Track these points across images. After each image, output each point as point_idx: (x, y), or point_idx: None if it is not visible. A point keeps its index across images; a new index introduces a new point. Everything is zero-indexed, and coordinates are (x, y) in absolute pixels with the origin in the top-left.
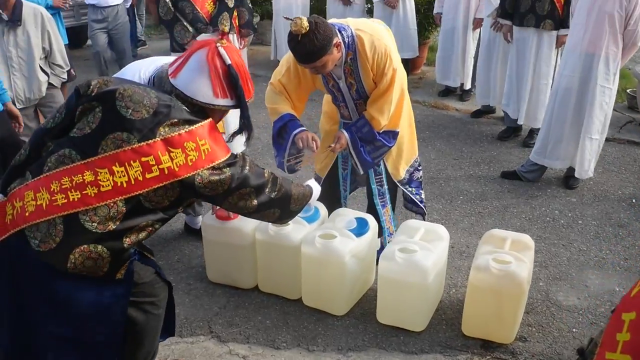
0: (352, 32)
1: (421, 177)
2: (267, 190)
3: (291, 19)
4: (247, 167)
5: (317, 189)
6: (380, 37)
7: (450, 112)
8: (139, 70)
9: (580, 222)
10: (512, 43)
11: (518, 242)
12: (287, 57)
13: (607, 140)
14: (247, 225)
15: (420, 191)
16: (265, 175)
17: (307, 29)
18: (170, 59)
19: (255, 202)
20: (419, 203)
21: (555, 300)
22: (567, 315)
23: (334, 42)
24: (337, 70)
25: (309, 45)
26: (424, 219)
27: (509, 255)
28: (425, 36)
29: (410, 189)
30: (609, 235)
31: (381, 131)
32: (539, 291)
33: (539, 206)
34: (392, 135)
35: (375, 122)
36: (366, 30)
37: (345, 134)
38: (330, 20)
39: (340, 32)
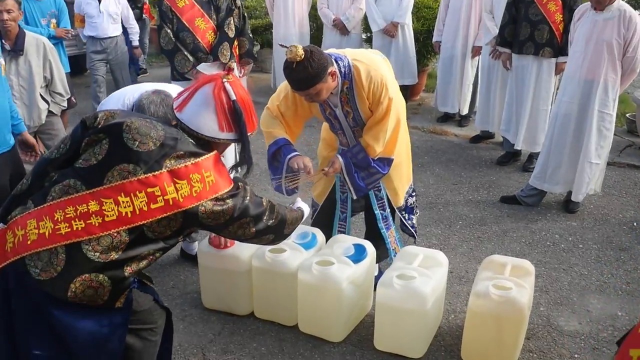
0: (348, 62)
1: (414, 203)
2: (265, 218)
3: (287, 47)
4: (248, 197)
5: (306, 210)
6: (376, 67)
7: (449, 137)
8: (124, 96)
9: (581, 246)
10: (511, 70)
11: (518, 268)
12: (285, 84)
13: (607, 164)
14: (243, 252)
15: (412, 216)
16: (264, 204)
17: (302, 56)
18: (157, 85)
19: (253, 229)
20: (409, 228)
21: (557, 326)
22: (569, 341)
23: (329, 70)
24: (333, 99)
25: (304, 73)
26: (414, 243)
27: (509, 281)
28: (424, 64)
29: (404, 214)
30: (611, 259)
31: (376, 158)
32: (539, 316)
33: (539, 230)
34: (387, 162)
35: (371, 149)
36: (363, 60)
37: (340, 159)
38: (328, 51)
39: (336, 61)
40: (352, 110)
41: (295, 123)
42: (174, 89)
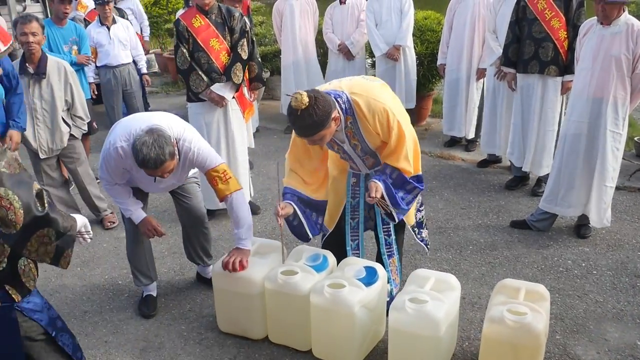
0: (347, 97)
1: (422, 217)
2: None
3: (291, 95)
4: None
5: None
6: (375, 97)
7: (456, 162)
8: (131, 127)
9: (595, 272)
10: (516, 91)
11: (533, 292)
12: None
13: (617, 188)
14: (256, 274)
15: (422, 230)
16: None
17: (307, 104)
18: (163, 117)
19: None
20: (420, 242)
21: (574, 355)
22: None
23: (333, 116)
24: (339, 135)
25: (308, 120)
26: (427, 253)
27: (524, 306)
28: (430, 88)
29: (415, 229)
30: (626, 285)
31: (410, 177)
32: (556, 345)
33: (551, 256)
34: (420, 178)
35: (403, 171)
36: (361, 92)
37: (379, 182)
38: (324, 87)
39: (336, 100)
40: (360, 142)
41: (312, 166)
42: (175, 121)
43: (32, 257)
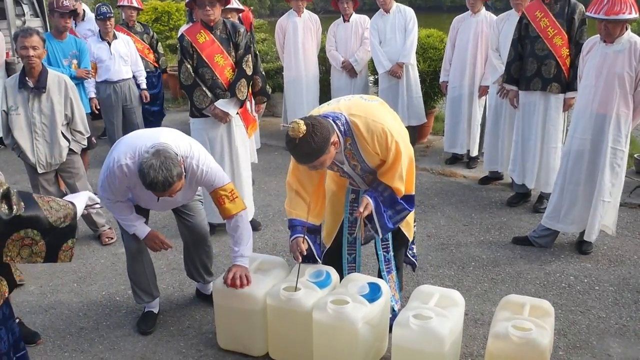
0: (346, 119)
1: (415, 232)
2: None
3: (288, 125)
4: None
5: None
6: (374, 117)
7: (458, 179)
8: (137, 145)
9: (597, 288)
10: (518, 108)
11: (537, 308)
12: None
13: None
14: (258, 290)
15: (413, 246)
16: None
17: (305, 132)
18: (168, 134)
19: None
20: (410, 257)
21: None
22: None
23: (332, 140)
24: (338, 157)
25: (307, 148)
26: (413, 270)
27: (529, 322)
28: (431, 105)
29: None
30: (628, 301)
31: (401, 197)
32: None
33: (553, 272)
34: (410, 199)
35: (395, 190)
36: (360, 113)
37: (370, 199)
38: (323, 109)
39: (335, 122)
40: (359, 163)
41: (315, 189)
42: (181, 138)
43: (16, 261)
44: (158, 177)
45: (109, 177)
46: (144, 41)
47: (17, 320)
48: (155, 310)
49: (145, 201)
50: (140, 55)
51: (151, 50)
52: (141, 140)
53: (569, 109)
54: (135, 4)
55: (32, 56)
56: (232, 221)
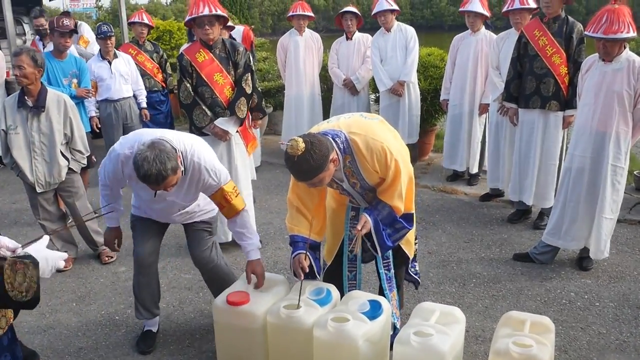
0: (345, 137)
1: (416, 250)
2: None
3: (287, 143)
4: None
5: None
6: (374, 136)
7: (459, 196)
8: (138, 140)
9: (597, 304)
10: (517, 126)
11: (538, 325)
12: None
13: (618, 221)
14: (258, 307)
15: (415, 263)
16: None
17: (303, 149)
18: (175, 135)
19: None
20: (413, 275)
21: None
22: None
23: (331, 158)
24: (338, 174)
25: (305, 166)
26: (416, 288)
27: (530, 338)
28: (432, 123)
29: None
30: (629, 317)
31: (400, 215)
32: None
33: (554, 288)
34: (409, 217)
35: (394, 208)
36: (359, 132)
37: (369, 217)
38: (323, 126)
39: (334, 139)
40: (359, 181)
41: (316, 206)
42: (185, 136)
43: None
44: (152, 169)
45: (105, 162)
46: (153, 60)
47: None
48: (154, 329)
49: (144, 196)
50: (149, 75)
51: (160, 70)
52: (143, 136)
53: (568, 126)
54: (146, 21)
55: (18, 75)
56: (238, 218)
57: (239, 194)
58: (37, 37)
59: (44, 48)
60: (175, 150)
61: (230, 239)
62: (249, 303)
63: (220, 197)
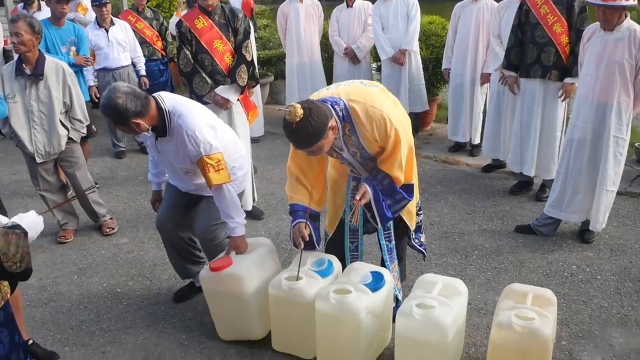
0: (345, 104)
1: (421, 221)
2: None
3: (285, 109)
4: None
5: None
6: (373, 104)
7: (461, 167)
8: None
9: (599, 277)
10: (518, 95)
11: (540, 297)
12: None
13: (619, 193)
14: (244, 273)
15: (420, 234)
16: None
17: (302, 116)
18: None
19: None
20: (418, 247)
21: None
22: None
23: (330, 125)
24: (337, 143)
25: (304, 132)
26: (424, 259)
27: (532, 311)
28: (434, 93)
29: (412, 233)
30: (630, 290)
31: (400, 186)
32: (562, 350)
33: (555, 261)
34: (409, 188)
35: (394, 179)
36: (359, 99)
37: (368, 187)
38: (322, 93)
39: (333, 107)
40: (359, 150)
41: (315, 175)
42: (181, 99)
43: None
44: (106, 97)
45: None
46: (153, 27)
47: (31, 342)
48: (197, 284)
49: (153, 153)
50: (149, 42)
51: (160, 38)
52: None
53: (568, 96)
54: None
55: (15, 43)
56: (214, 192)
57: (222, 170)
58: (21, 4)
59: None
60: (163, 109)
61: (249, 208)
62: (232, 267)
63: (200, 166)
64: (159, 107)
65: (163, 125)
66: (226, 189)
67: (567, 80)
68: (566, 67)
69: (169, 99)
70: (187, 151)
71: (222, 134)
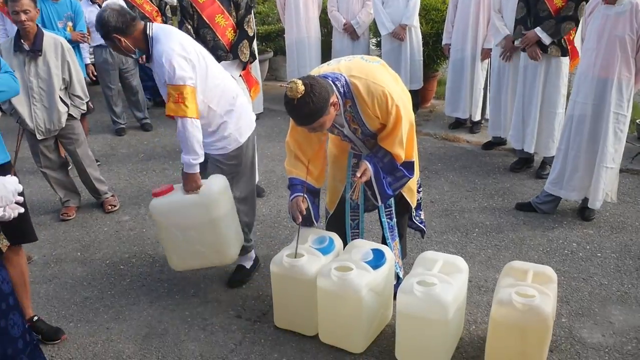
0: (346, 80)
1: (421, 198)
2: None
3: (286, 85)
4: None
5: None
6: (374, 79)
7: (461, 144)
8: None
9: (599, 254)
10: (520, 71)
11: (540, 275)
12: None
13: (620, 171)
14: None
15: (420, 212)
16: None
17: (303, 92)
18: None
19: None
20: (418, 224)
21: (580, 338)
22: (593, 354)
23: (331, 101)
24: (338, 119)
25: (305, 109)
26: (422, 237)
27: (532, 289)
28: (434, 69)
29: (413, 210)
30: (630, 268)
31: (401, 163)
32: (562, 328)
33: (556, 238)
34: (410, 165)
35: (395, 156)
36: (360, 75)
37: (369, 165)
38: (323, 69)
39: (334, 83)
40: (360, 126)
41: (314, 152)
42: (174, 31)
43: None
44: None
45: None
46: (152, 2)
47: (37, 318)
48: (247, 265)
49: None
50: (148, 18)
51: (159, 13)
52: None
53: (524, 43)
54: None
55: (25, 20)
56: (177, 123)
57: (182, 103)
58: None
59: None
60: (147, 34)
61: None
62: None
63: (167, 94)
64: (145, 32)
65: (149, 51)
66: (181, 123)
67: (536, 29)
68: (567, 43)
69: (157, 27)
70: (161, 75)
71: (212, 76)
